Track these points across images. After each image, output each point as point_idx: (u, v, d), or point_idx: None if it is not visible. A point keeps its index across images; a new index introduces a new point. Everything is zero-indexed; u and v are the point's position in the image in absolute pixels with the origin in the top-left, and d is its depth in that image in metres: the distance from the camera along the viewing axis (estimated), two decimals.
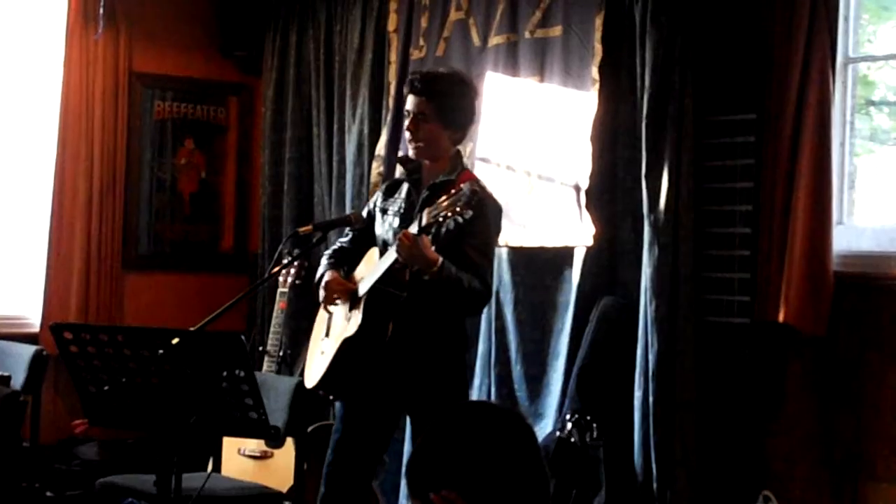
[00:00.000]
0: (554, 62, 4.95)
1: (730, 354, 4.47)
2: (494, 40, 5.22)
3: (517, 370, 5.04)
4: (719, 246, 4.50)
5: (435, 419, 2.14)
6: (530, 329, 5.02)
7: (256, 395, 3.49)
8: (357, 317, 3.90)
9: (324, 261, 4.18)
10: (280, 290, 5.58)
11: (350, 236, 4.23)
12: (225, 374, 3.45)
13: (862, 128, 4.54)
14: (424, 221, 3.65)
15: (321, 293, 4.09)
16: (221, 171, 6.81)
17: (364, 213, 4.22)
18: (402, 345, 3.90)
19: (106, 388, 3.53)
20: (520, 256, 5.07)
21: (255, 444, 5.13)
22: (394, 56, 5.72)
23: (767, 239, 4.36)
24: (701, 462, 4.45)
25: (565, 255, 4.88)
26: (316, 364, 4.08)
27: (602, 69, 4.73)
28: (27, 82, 6.25)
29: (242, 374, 3.45)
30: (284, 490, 4.67)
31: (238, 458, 5.16)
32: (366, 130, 5.84)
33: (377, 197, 4.21)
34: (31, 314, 6.17)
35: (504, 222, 4.09)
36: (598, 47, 4.75)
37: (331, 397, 4.38)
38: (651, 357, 4.44)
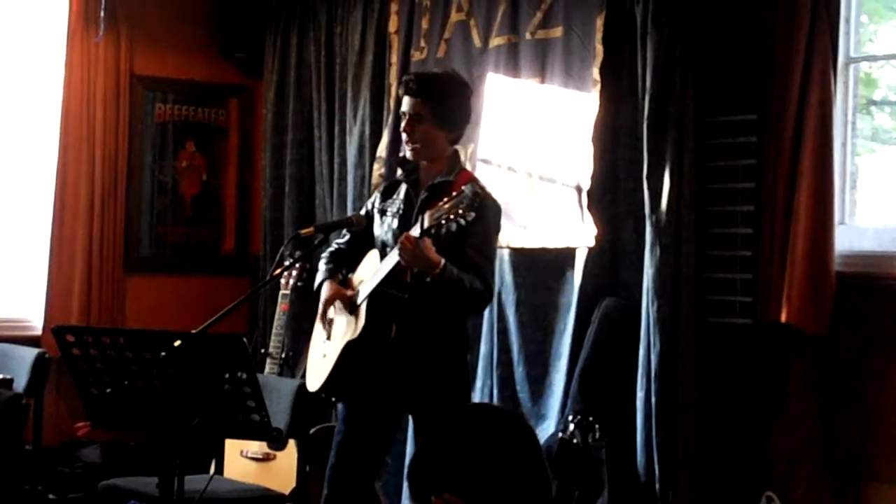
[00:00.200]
0: (555, 63, 4.95)
1: (732, 355, 4.46)
2: (495, 41, 5.22)
3: (519, 371, 5.04)
4: (721, 247, 4.50)
5: (437, 421, 2.14)
6: (532, 330, 5.02)
7: (259, 397, 3.49)
8: (360, 320, 3.90)
9: (321, 265, 4.17)
10: (282, 292, 5.58)
11: (347, 237, 4.22)
12: (227, 376, 3.46)
13: (863, 128, 4.54)
14: (426, 224, 3.64)
15: (320, 308, 4.09)
16: (223, 174, 6.81)
17: (362, 213, 4.21)
18: (405, 346, 3.90)
19: (108, 390, 3.53)
20: (522, 258, 5.06)
21: (257, 446, 5.13)
22: (395, 58, 5.72)
23: (769, 239, 4.36)
24: (703, 463, 4.45)
25: (567, 256, 4.88)
26: (318, 367, 4.08)
27: (603, 70, 4.73)
28: (28, 85, 6.25)
29: (244, 376, 3.45)
30: (287, 492, 4.67)
31: (240, 460, 5.16)
32: (367, 132, 5.84)
33: (375, 198, 4.20)
34: (34, 317, 6.17)
35: (505, 223, 4.09)
36: (599, 48, 4.75)
37: (333, 399, 4.38)
38: (653, 358, 4.44)
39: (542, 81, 5.01)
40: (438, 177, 3.98)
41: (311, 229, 4.14)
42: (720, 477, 4.48)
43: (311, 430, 5.01)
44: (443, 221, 3.61)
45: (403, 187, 4.09)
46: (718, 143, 4.52)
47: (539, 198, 4.97)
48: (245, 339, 3.47)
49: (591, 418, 4.44)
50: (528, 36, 5.07)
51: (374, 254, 4.04)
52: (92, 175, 6.15)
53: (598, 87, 4.74)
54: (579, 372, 4.67)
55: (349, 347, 3.90)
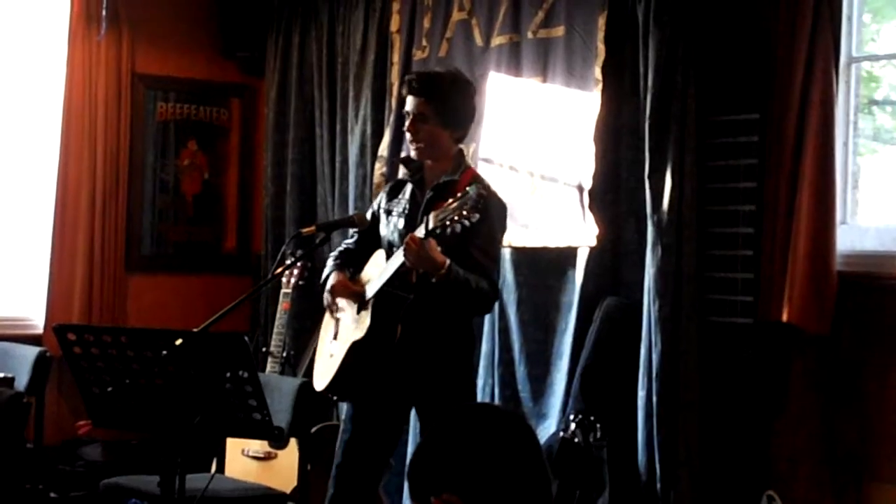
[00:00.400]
0: (557, 62, 4.95)
1: (733, 354, 4.46)
2: (497, 40, 5.22)
3: (521, 370, 5.04)
4: (723, 246, 4.50)
5: (437, 421, 2.13)
6: (534, 329, 5.02)
7: (260, 396, 3.49)
8: (366, 320, 3.90)
9: (330, 262, 4.18)
10: (283, 290, 5.59)
11: (355, 238, 4.24)
12: (228, 374, 3.46)
13: (865, 127, 4.53)
14: (431, 224, 3.64)
15: (326, 296, 4.09)
16: (224, 173, 6.81)
17: (368, 215, 4.22)
18: (411, 346, 3.90)
19: (109, 389, 3.53)
20: (523, 257, 5.06)
21: (258, 445, 5.13)
22: (396, 57, 5.72)
23: (771, 239, 4.36)
24: (704, 462, 4.45)
25: (568, 255, 4.88)
26: (325, 367, 4.08)
27: (605, 69, 4.73)
28: (30, 84, 6.25)
29: (246, 374, 3.45)
30: (288, 491, 4.67)
31: (242, 459, 5.16)
32: (368, 131, 5.84)
33: (381, 198, 4.20)
34: (35, 315, 6.18)
35: (508, 222, 4.09)
36: (601, 47, 4.74)
37: (336, 398, 4.38)
38: (654, 357, 4.44)
39: (544, 81, 5.01)
40: (443, 176, 3.98)
41: (312, 228, 4.15)
42: (721, 476, 4.48)
43: (313, 429, 5.02)
44: (447, 223, 3.61)
45: (409, 187, 4.09)
46: (720, 142, 4.51)
47: (540, 197, 4.97)
48: (246, 338, 3.47)
49: (592, 417, 4.44)
50: (529, 35, 5.07)
51: (379, 254, 4.05)
52: (93, 174, 6.15)
53: (600, 86, 4.74)
54: (580, 371, 4.67)
55: (355, 347, 3.90)
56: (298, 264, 5.49)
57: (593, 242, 4.75)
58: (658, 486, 4.43)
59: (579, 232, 4.79)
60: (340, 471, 4.05)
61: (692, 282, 4.45)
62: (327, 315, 4.17)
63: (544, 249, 4.96)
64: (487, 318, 5.13)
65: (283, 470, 4.98)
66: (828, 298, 4.23)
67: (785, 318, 4.27)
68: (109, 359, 3.49)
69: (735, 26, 4.52)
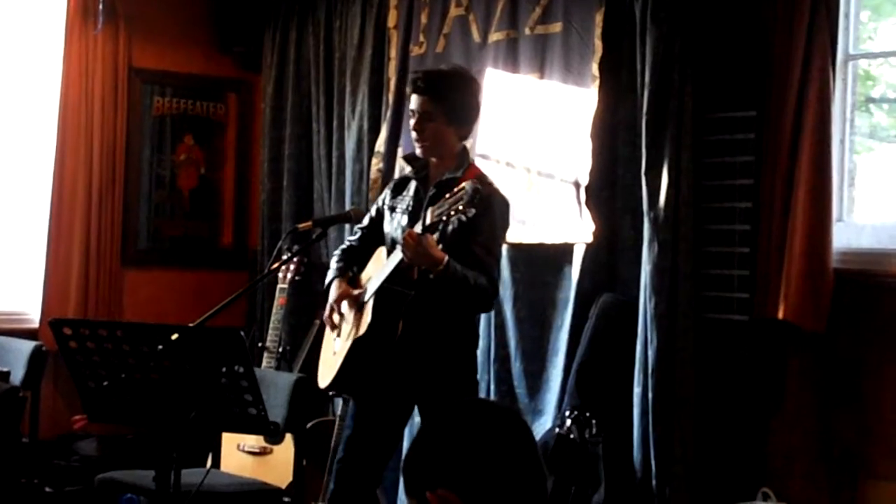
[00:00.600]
0: (554, 59, 4.95)
1: (729, 351, 4.46)
2: (494, 37, 5.21)
3: (517, 367, 5.04)
4: (719, 243, 4.50)
5: (432, 416, 2.13)
6: (530, 326, 5.02)
7: (256, 391, 3.49)
8: (367, 317, 3.91)
9: (333, 263, 4.19)
10: (279, 286, 5.59)
11: (359, 234, 4.24)
12: (224, 369, 3.46)
13: (862, 125, 4.53)
14: (429, 220, 3.65)
15: (327, 310, 4.10)
16: (221, 168, 6.81)
17: (373, 211, 4.22)
18: (413, 342, 3.90)
19: (105, 383, 3.53)
20: (519, 253, 5.06)
21: (254, 440, 5.13)
22: (393, 52, 5.71)
23: (767, 236, 4.36)
24: (700, 459, 4.45)
25: (565, 251, 4.88)
26: (328, 364, 4.09)
27: (602, 66, 4.73)
28: (26, 78, 6.24)
29: (242, 369, 3.45)
30: (283, 486, 4.67)
31: (237, 454, 5.16)
32: (365, 127, 5.83)
33: (385, 195, 4.21)
34: (31, 310, 6.17)
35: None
36: (599, 44, 4.74)
37: (332, 394, 4.39)
38: (650, 354, 4.44)
39: (541, 77, 5.00)
40: (447, 173, 3.98)
41: (308, 223, 4.15)
42: (717, 472, 4.48)
43: (309, 425, 5.02)
44: (444, 218, 3.61)
45: (413, 184, 4.09)
46: (717, 139, 4.51)
47: (537, 193, 4.97)
48: (242, 333, 3.47)
49: (588, 414, 4.43)
50: (527, 31, 5.07)
51: (381, 251, 4.05)
52: (90, 168, 6.15)
53: (597, 82, 4.74)
54: (576, 367, 4.67)
55: (357, 344, 3.91)
56: (295, 260, 5.49)
57: (590, 239, 4.75)
58: (654, 482, 4.43)
59: (576, 228, 4.79)
60: (342, 466, 4.06)
61: (688, 278, 4.45)
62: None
63: (541, 246, 4.96)
64: (483, 314, 5.13)
65: (279, 465, 4.98)
66: (824, 296, 4.23)
67: (781, 315, 4.27)
68: (105, 353, 3.49)
69: (732, 23, 4.51)
